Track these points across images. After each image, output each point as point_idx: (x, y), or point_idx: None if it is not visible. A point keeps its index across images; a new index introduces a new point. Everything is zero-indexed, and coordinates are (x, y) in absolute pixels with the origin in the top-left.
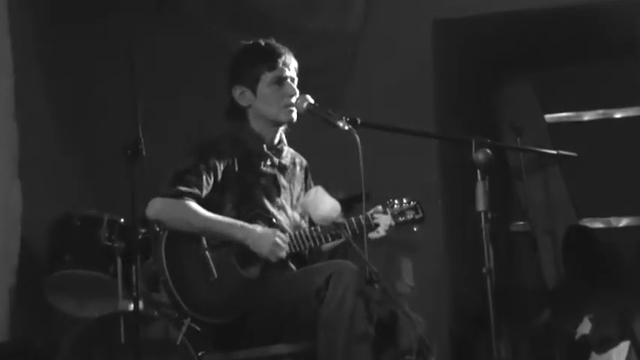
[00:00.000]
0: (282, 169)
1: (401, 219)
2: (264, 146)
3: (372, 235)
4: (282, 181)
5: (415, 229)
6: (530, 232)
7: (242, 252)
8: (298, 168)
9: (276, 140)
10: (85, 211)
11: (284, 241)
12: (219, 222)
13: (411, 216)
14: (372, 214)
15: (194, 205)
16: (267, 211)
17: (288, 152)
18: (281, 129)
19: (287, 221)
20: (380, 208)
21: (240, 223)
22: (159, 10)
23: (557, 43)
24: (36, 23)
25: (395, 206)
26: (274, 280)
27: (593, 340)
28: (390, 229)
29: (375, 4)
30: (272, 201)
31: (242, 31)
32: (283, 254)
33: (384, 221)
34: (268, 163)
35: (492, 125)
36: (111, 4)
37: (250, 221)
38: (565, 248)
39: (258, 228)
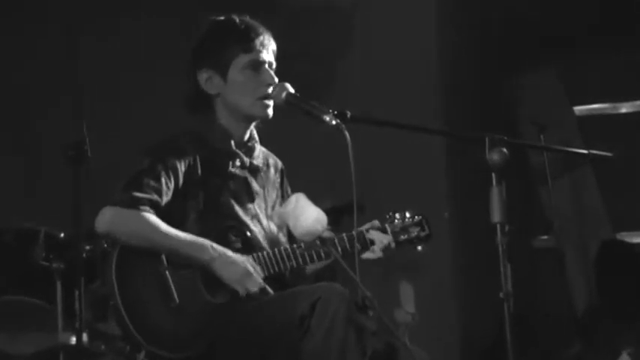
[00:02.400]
0: (254, 171)
1: (403, 237)
2: (232, 143)
3: (367, 255)
4: (254, 185)
5: (419, 249)
6: (557, 248)
7: (209, 272)
8: (272, 170)
9: (247, 137)
10: (17, 224)
11: (258, 274)
12: (183, 240)
13: (415, 233)
14: (367, 230)
15: (152, 217)
16: (240, 221)
17: (260, 151)
18: (252, 124)
19: (262, 233)
20: (377, 223)
21: (208, 242)
22: None
23: (589, 21)
24: None
25: (396, 221)
26: (248, 306)
27: None
28: (389, 250)
29: None
30: (244, 208)
31: (212, 8)
32: (255, 289)
33: (380, 239)
34: (237, 163)
35: (510, 120)
36: None
37: (220, 234)
38: (599, 267)
39: (230, 252)
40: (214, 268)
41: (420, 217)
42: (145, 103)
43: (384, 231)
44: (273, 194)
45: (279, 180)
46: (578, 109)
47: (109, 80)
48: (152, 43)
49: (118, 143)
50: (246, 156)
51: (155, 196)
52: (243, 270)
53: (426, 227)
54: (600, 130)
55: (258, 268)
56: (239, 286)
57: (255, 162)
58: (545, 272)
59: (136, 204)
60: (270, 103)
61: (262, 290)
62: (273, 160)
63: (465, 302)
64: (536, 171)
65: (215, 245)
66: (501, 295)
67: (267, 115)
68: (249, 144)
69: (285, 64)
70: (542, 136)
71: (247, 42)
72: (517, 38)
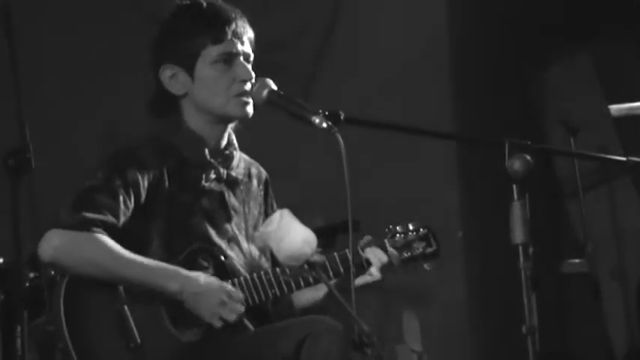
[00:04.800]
0: (233, 183)
1: (406, 254)
2: (206, 152)
3: (362, 280)
4: (233, 201)
5: (427, 267)
6: (590, 274)
7: (177, 305)
8: (255, 182)
9: (223, 143)
10: None
11: (237, 301)
12: (145, 265)
13: (421, 250)
14: (362, 248)
15: (106, 239)
16: (213, 245)
17: (240, 160)
18: (229, 126)
19: (241, 259)
20: (369, 238)
21: (173, 268)
22: None
23: (629, 3)
24: None
25: (397, 236)
26: (222, 345)
27: None
28: (389, 269)
29: None
30: (219, 230)
31: None
32: (232, 318)
33: (378, 257)
34: (212, 176)
35: (534, 121)
36: None
37: (189, 259)
38: None
39: (202, 277)
40: (184, 299)
41: (426, 229)
42: (102, 104)
43: (382, 248)
44: (255, 211)
45: (262, 193)
46: (616, 107)
47: (57, 76)
48: (109, 34)
49: (67, 151)
50: (223, 166)
51: (110, 217)
52: (218, 300)
53: (432, 241)
54: None
55: (238, 291)
56: (213, 319)
57: (233, 173)
58: (577, 303)
59: (87, 226)
60: (249, 100)
61: (240, 321)
62: (255, 169)
63: (481, 338)
64: (565, 182)
65: (182, 270)
66: (524, 329)
67: (246, 114)
68: (227, 152)
69: (265, 55)
70: (572, 141)
71: (217, 31)
72: (543, 24)
